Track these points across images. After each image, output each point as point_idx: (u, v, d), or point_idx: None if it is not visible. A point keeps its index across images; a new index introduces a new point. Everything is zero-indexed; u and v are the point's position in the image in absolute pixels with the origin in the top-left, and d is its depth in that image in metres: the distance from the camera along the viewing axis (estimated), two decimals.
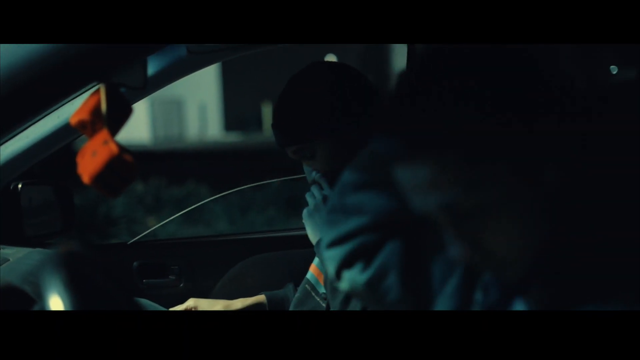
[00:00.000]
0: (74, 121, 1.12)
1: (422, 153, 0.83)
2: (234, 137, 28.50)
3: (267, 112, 30.43)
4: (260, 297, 2.05)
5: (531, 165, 0.83)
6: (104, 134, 1.10)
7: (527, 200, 0.84)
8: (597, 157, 0.86)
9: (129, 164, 1.09)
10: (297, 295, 1.90)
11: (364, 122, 1.70)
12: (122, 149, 1.09)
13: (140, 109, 27.56)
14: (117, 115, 1.13)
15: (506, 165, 0.82)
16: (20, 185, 1.96)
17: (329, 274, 1.10)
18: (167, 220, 2.65)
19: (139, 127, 27.13)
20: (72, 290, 0.91)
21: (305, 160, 1.76)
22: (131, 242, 2.42)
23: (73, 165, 1.09)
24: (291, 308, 1.90)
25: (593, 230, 0.85)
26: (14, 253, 1.82)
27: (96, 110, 1.11)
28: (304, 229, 1.76)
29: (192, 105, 31.04)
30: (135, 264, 2.38)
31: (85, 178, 1.07)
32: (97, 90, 1.12)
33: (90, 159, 1.08)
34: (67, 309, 0.90)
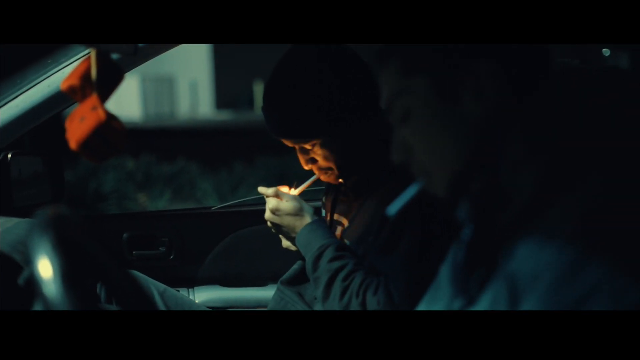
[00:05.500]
0: (64, 86, 1.12)
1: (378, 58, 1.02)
2: (225, 115, 28.40)
3: (258, 90, 30.30)
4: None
5: (448, 87, 0.96)
6: (93, 99, 1.10)
7: (447, 117, 0.97)
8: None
9: (117, 131, 1.09)
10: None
11: (371, 117, 1.62)
12: (111, 115, 1.09)
13: (131, 86, 27.43)
14: (107, 82, 1.13)
15: (427, 80, 0.97)
16: (10, 155, 1.94)
17: None
18: None
19: (130, 104, 26.98)
20: (61, 253, 0.90)
21: (303, 151, 1.70)
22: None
23: (63, 136, 1.09)
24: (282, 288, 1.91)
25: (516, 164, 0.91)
26: (3, 222, 1.81)
27: (86, 75, 1.11)
28: None
29: (184, 83, 30.89)
30: (125, 235, 2.39)
31: (72, 144, 1.07)
32: (88, 56, 1.11)
33: (78, 125, 1.08)
34: (55, 273, 0.89)
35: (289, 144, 1.69)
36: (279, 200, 1.72)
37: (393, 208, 1.05)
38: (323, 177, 1.74)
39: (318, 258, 1.63)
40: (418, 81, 0.98)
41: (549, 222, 0.85)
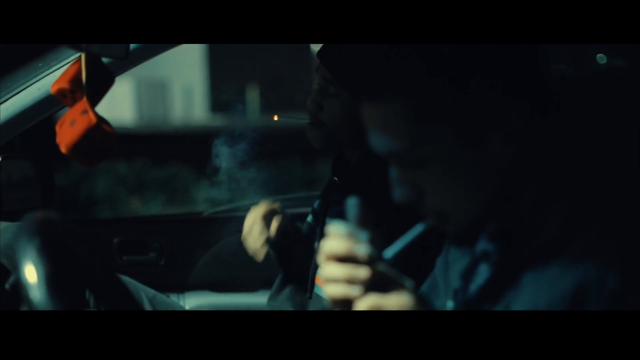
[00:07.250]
0: (54, 89, 1.12)
1: (379, 100, 0.92)
2: (219, 120, 28.38)
3: (252, 95, 30.31)
4: None
5: (475, 133, 0.89)
6: (83, 103, 1.09)
7: (470, 163, 0.90)
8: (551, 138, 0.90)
9: (108, 135, 1.08)
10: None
11: None
12: (101, 119, 1.08)
13: (125, 91, 27.38)
14: (98, 85, 1.12)
15: (451, 128, 0.88)
16: None
17: None
18: None
19: (124, 108, 26.94)
20: (47, 258, 0.89)
21: (322, 90, 1.67)
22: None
23: (54, 140, 1.09)
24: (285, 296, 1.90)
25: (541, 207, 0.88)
26: None
27: (76, 79, 1.10)
28: (286, 209, 1.75)
29: (178, 87, 30.87)
30: (115, 240, 2.38)
31: (63, 147, 1.07)
32: (78, 59, 1.11)
33: (69, 129, 1.07)
34: (41, 279, 0.88)
35: (320, 74, 1.66)
36: None
37: (390, 251, 0.95)
38: (308, 126, 1.71)
39: None
40: (441, 129, 0.89)
41: (571, 256, 0.83)
